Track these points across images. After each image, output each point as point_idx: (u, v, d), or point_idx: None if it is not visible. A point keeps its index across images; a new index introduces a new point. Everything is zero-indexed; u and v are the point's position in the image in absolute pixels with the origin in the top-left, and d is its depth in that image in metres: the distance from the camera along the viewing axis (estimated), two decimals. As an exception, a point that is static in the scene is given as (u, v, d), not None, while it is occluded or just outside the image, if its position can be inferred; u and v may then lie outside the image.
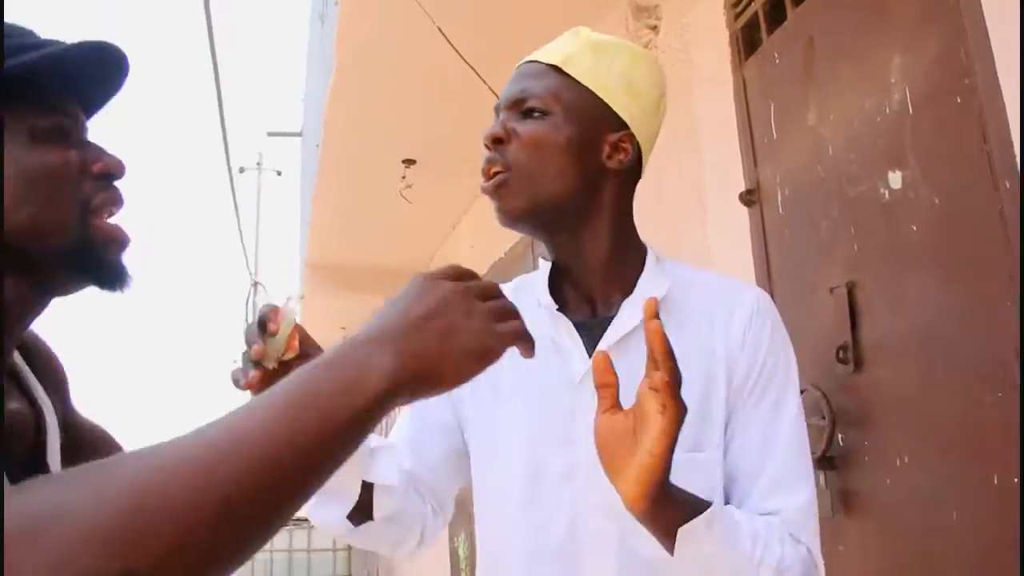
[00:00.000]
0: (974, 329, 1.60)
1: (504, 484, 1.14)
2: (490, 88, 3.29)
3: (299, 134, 11.39)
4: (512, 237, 4.63)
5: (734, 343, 1.10)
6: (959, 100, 1.65)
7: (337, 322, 10.12)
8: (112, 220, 0.86)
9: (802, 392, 1.98)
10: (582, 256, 1.14)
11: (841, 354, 1.92)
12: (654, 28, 3.13)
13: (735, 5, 2.50)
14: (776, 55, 2.29)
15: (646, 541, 0.96)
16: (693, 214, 2.69)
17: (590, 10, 3.25)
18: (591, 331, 1.10)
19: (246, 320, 14.83)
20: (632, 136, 1.12)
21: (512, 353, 0.94)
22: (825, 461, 1.95)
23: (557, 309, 1.14)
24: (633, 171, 1.16)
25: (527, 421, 1.12)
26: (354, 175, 5.09)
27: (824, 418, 1.95)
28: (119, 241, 0.86)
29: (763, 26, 2.35)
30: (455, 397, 1.19)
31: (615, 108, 1.12)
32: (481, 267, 5.19)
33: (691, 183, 2.71)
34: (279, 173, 17.98)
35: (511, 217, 1.11)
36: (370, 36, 3.34)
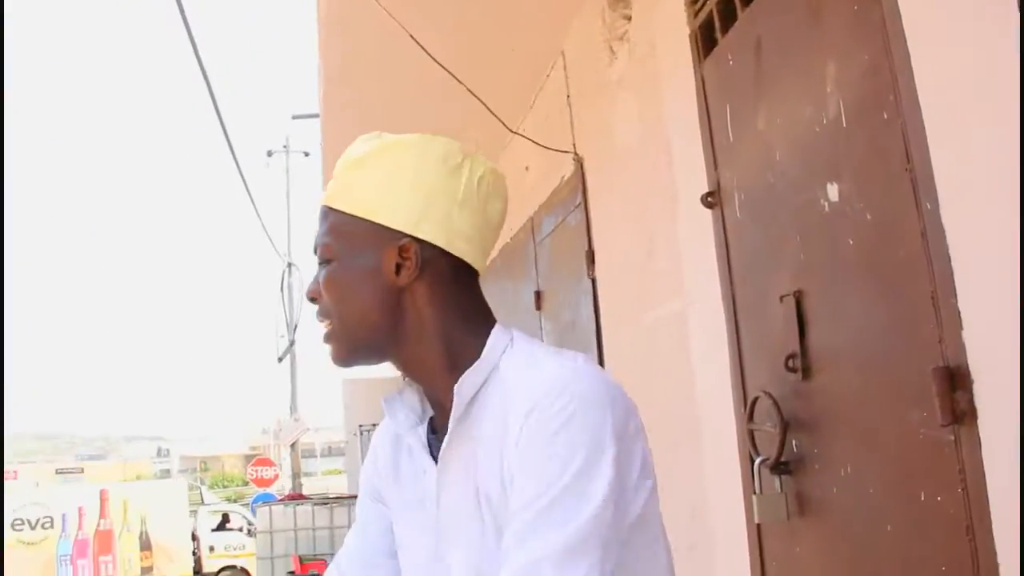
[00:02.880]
0: (899, 344, 1.62)
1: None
2: (467, 88, 3.31)
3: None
4: (512, 228, 4.66)
5: (510, 438, 1.02)
6: (885, 116, 1.64)
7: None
8: None
9: (755, 399, 2.04)
10: (419, 372, 1.15)
11: (790, 363, 1.94)
12: (629, 19, 3.13)
13: (693, 3, 2.48)
14: (729, 56, 2.28)
15: None
16: (666, 214, 2.71)
17: (568, 0, 3.25)
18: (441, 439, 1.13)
19: (282, 300, 15.05)
20: (414, 241, 1.08)
21: (404, 469, 1.10)
22: (780, 466, 1.99)
23: (431, 418, 1.19)
24: (440, 269, 1.10)
25: (409, 534, 1.20)
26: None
27: (775, 426, 1.97)
28: None
29: (717, 25, 2.34)
30: (384, 507, 1.28)
31: (380, 222, 1.08)
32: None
33: (663, 182, 2.72)
34: (306, 154, 18.11)
35: (340, 363, 1.15)
36: (352, 48, 3.38)
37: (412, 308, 1.11)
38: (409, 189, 1.09)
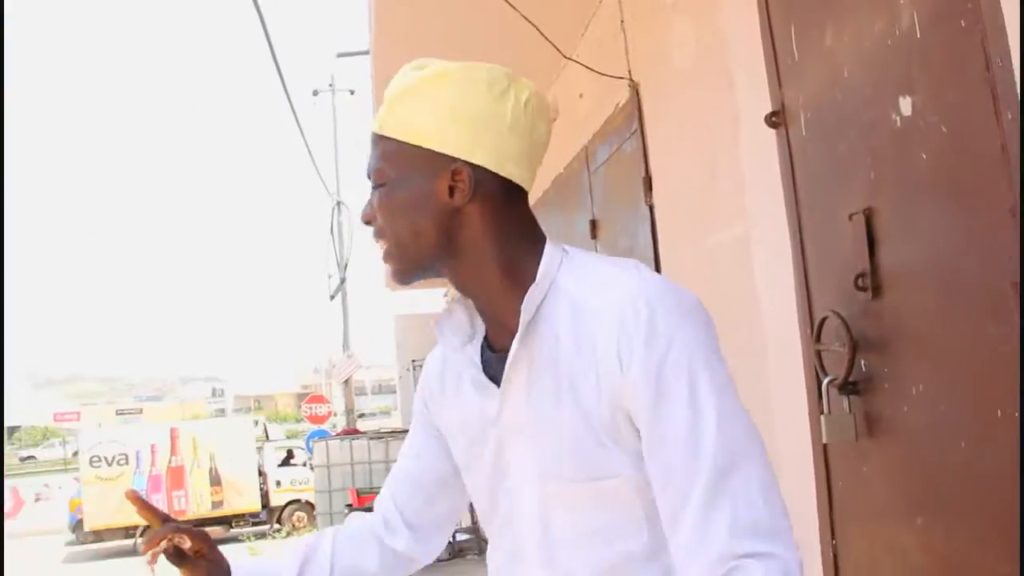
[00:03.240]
0: (977, 260, 1.59)
1: (473, 498, 1.30)
2: (521, 14, 3.27)
3: (367, 52, 11.42)
4: (565, 159, 4.63)
5: (606, 364, 1.05)
6: (963, 24, 1.59)
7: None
8: None
9: (823, 319, 2.02)
10: (476, 292, 1.18)
11: (860, 281, 1.92)
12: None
13: (755, -83, 2.41)
14: (795, -30, 2.22)
15: (571, 562, 1.10)
16: (727, 137, 2.67)
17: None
18: (502, 363, 1.15)
19: (332, 238, 15.17)
20: (466, 165, 1.10)
21: (452, 392, 1.16)
22: (848, 386, 1.98)
23: (484, 339, 1.22)
24: (492, 191, 1.13)
25: (467, 452, 1.25)
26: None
27: (844, 345, 1.96)
28: None
29: (782, -61, 2.28)
30: (439, 433, 1.34)
31: (432, 148, 1.11)
32: (543, 180, 5.16)
33: (724, 105, 2.68)
34: (352, 92, 18.07)
35: (398, 280, 1.20)
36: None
37: (466, 228, 1.13)
38: (458, 116, 1.10)
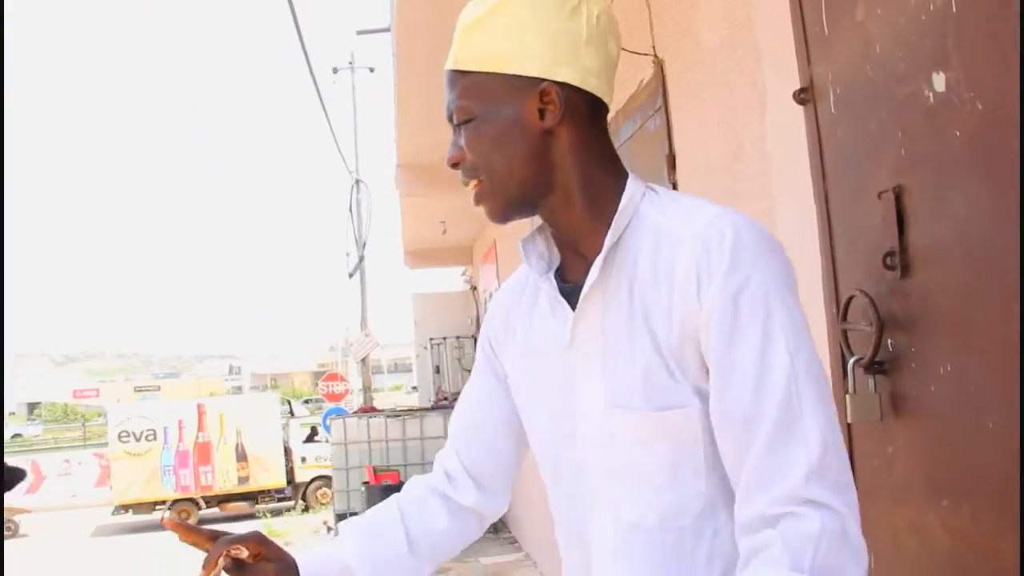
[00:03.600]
0: (1009, 240, 1.57)
1: (533, 440, 1.29)
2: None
3: (387, 29, 11.39)
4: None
5: (682, 289, 1.04)
6: (1001, -3, 1.57)
7: (436, 216, 10.30)
8: None
9: (850, 298, 2.00)
10: (563, 218, 1.17)
11: (888, 260, 1.90)
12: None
13: None
14: (826, -55, 2.19)
15: (633, 504, 1.07)
16: (754, 114, 2.64)
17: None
18: (575, 295, 1.15)
19: (351, 216, 15.19)
20: (552, 84, 1.10)
21: (523, 324, 1.17)
22: (874, 365, 1.96)
23: (557, 270, 1.20)
24: (579, 108, 1.12)
25: (535, 385, 1.23)
26: (435, 72, 5.09)
27: (871, 324, 1.94)
28: None
29: (813, -88, 2.24)
30: (502, 372, 1.33)
31: (515, 72, 1.10)
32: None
33: (751, 81, 2.65)
34: (371, 70, 18.05)
35: (496, 219, 1.18)
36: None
37: (558, 152, 1.13)
38: (535, 35, 1.10)
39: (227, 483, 16.61)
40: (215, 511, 16.62)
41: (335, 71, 18.37)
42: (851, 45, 2.08)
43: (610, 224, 1.11)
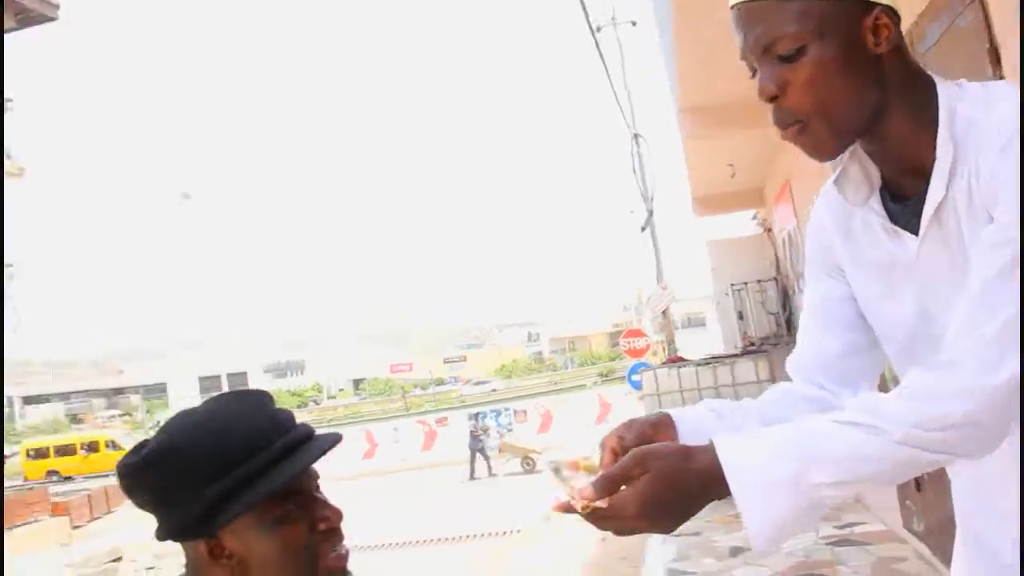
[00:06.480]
0: None
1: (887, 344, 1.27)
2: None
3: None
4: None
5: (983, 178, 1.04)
6: None
7: (723, 160, 10.11)
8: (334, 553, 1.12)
9: None
10: (892, 140, 1.13)
11: None
12: None
13: None
14: None
15: None
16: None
17: None
18: (912, 208, 1.13)
19: (634, 171, 15.27)
20: (884, 7, 1.06)
21: (856, 245, 1.14)
22: None
23: (882, 188, 1.18)
24: (898, 31, 1.09)
25: (885, 310, 1.22)
26: (714, 6, 5.01)
27: None
28: (340, 569, 1.12)
29: None
30: (842, 273, 1.30)
31: None
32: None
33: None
34: (634, 24, 17.95)
35: (823, 158, 1.14)
36: None
37: (889, 79, 1.10)
38: None
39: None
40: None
41: (598, 29, 18.47)
42: None
43: (935, 132, 1.08)
